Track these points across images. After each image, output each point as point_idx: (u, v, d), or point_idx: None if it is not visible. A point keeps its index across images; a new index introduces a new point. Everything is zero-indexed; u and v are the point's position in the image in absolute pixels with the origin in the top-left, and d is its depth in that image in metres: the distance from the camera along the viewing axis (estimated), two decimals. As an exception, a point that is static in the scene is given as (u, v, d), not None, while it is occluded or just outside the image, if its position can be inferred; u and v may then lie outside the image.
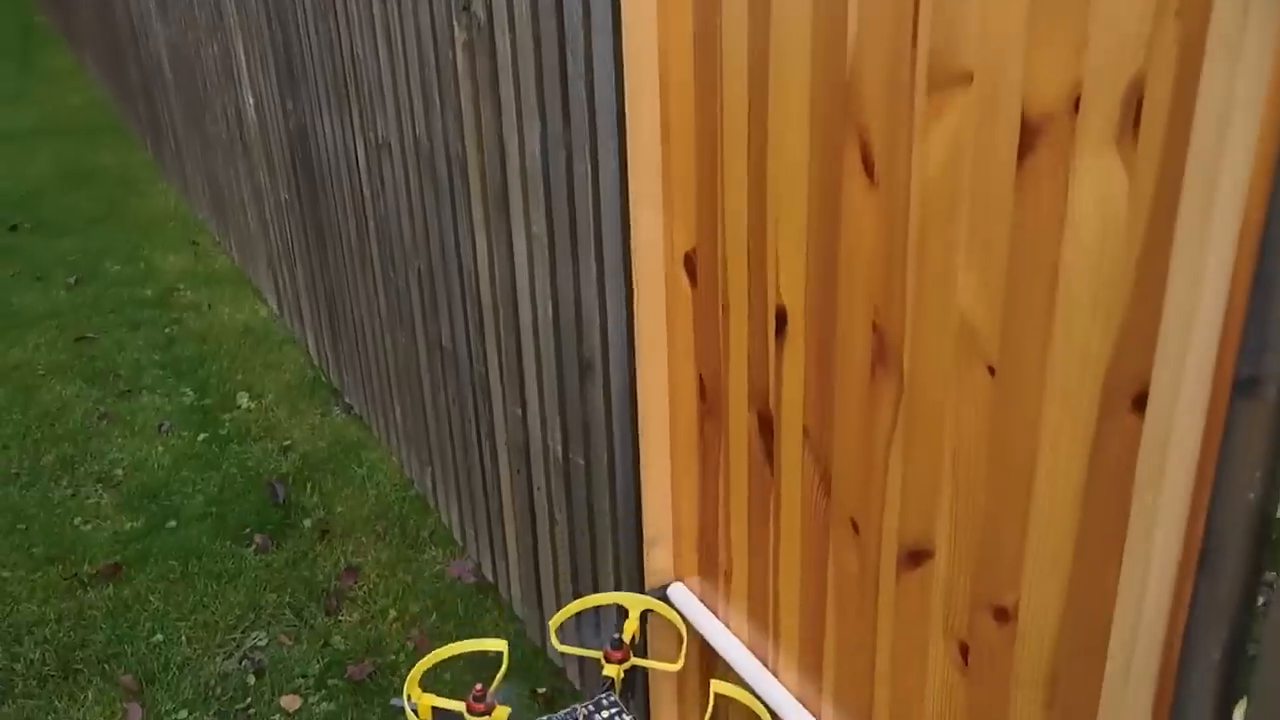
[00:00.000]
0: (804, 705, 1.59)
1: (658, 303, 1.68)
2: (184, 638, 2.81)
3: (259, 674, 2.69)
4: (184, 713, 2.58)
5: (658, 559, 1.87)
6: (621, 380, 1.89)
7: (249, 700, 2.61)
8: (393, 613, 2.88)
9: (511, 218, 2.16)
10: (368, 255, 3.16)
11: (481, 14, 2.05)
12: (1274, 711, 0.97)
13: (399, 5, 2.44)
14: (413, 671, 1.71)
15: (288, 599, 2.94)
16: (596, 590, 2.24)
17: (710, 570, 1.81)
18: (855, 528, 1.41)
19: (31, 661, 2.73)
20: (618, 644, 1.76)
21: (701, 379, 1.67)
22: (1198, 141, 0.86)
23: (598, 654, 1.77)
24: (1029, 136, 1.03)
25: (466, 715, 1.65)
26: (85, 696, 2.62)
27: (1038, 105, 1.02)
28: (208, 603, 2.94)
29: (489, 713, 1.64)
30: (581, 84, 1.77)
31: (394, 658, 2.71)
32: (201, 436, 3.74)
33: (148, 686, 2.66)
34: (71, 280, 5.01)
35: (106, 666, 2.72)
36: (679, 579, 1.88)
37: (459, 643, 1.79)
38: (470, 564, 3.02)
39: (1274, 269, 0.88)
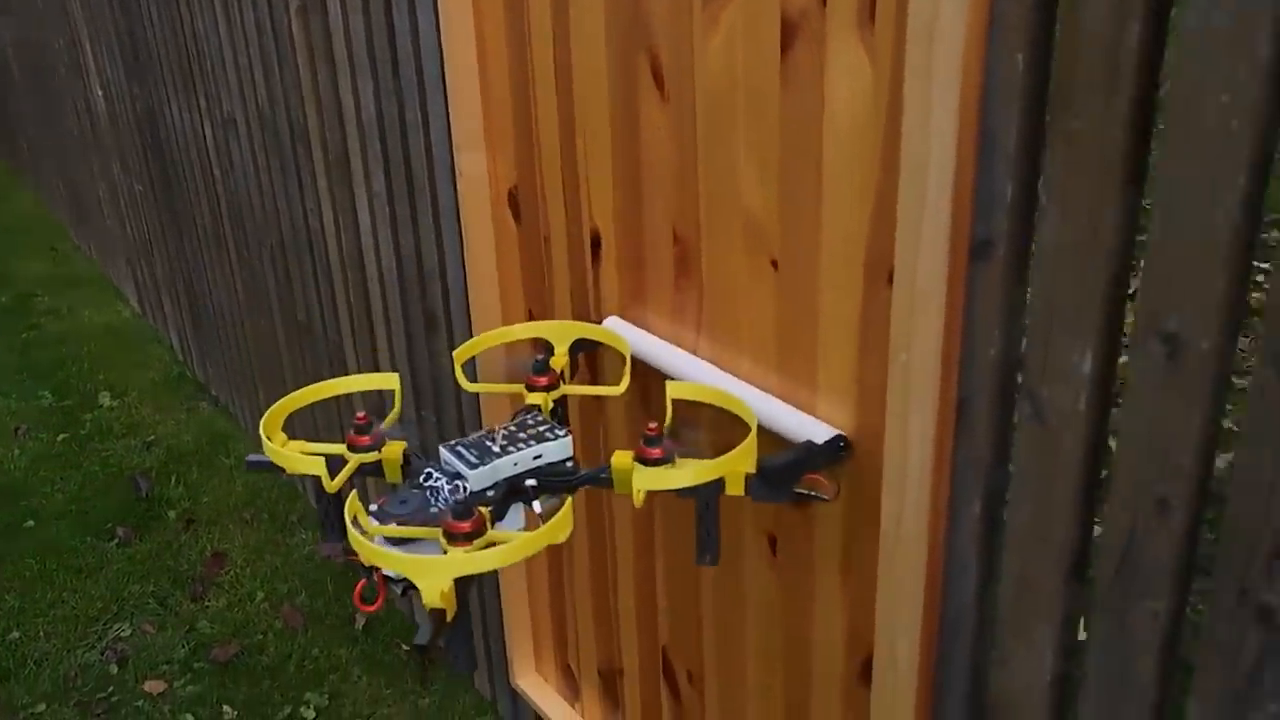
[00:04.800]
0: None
1: (487, 243, 1.72)
2: (42, 633, 2.75)
3: (121, 663, 2.64)
4: (42, 706, 2.52)
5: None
6: (463, 328, 1.93)
7: (111, 689, 2.56)
8: (260, 594, 2.85)
9: (354, 178, 2.18)
10: (223, 239, 3.13)
11: (312, -23, 2.07)
12: (1027, 557, 1.05)
13: (236, -22, 2.44)
14: (271, 411, 1.30)
15: (152, 588, 2.90)
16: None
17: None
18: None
19: (-123, 666, 2.64)
20: (542, 368, 1.39)
21: (532, 314, 1.72)
22: (915, 20, 0.94)
23: (517, 387, 1.40)
24: (789, 34, 1.11)
25: (348, 454, 1.26)
26: (-64, 697, 2.55)
27: (794, 1, 1.09)
28: (67, 597, 2.88)
29: (377, 447, 1.26)
30: (408, 38, 1.81)
31: (261, 637, 2.70)
32: (61, 437, 3.64)
33: (3, 683, 2.59)
34: (-80, 291, 4.83)
35: (-41, 667, 2.65)
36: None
37: (341, 379, 1.41)
38: (340, 543, 3.01)
39: (994, 138, 0.97)
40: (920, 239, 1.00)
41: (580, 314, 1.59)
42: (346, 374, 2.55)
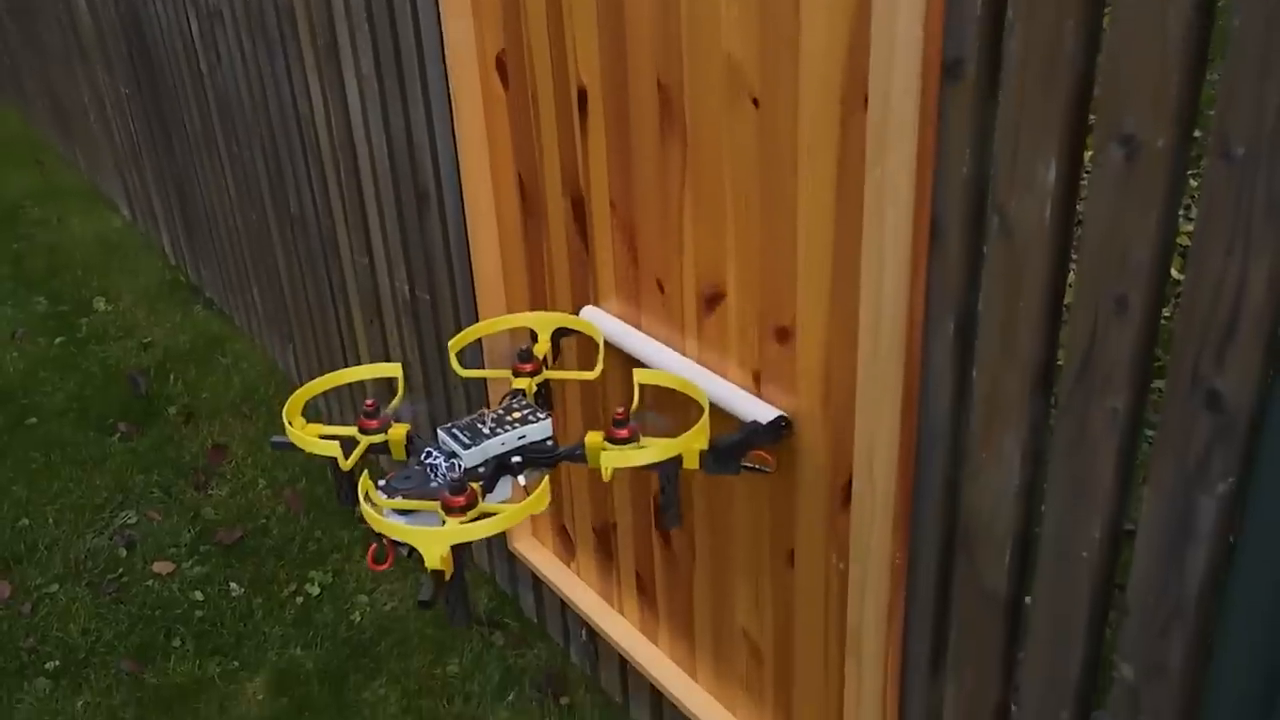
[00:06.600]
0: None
1: (476, 111, 1.76)
2: (51, 520, 2.82)
3: (130, 547, 2.72)
4: (55, 586, 2.60)
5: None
6: (455, 203, 1.96)
7: (120, 570, 2.65)
8: (262, 482, 2.93)
9: (342, 61, 2.20)
10: (212, 136, 3.14)
11: None
12: (994, 368, 1.11)
13: None
14: (293, 397, 1.44)
15: (155, 479, 2.97)
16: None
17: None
18: (660, 287, 1.53)
19: (-110, 553, 2.71)
20: (526, 356, 1.55)
21: (521, 178, 1.76)
22: None
23: (504, 372, 1.56)
24: None
25: (358, 435, 1.41)
26: (-50, 580, 2.63)
27: None
28: (73, 488, 2.95)
29: (384, 429, 1.42)
30: (392, -93, 1.82)
31: (265, 521, 2.77)
32: (58, 340, 3.69)
33: (15, 565, 2.67)
34: (-92, 203, 4.83)
35: (-29, 553, 2.72)
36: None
37: (348, 369, 1.55)
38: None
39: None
40: (893, 59, 1.04)
41: (569, 175, 1.63)
42: (340, 260, 2.59)
